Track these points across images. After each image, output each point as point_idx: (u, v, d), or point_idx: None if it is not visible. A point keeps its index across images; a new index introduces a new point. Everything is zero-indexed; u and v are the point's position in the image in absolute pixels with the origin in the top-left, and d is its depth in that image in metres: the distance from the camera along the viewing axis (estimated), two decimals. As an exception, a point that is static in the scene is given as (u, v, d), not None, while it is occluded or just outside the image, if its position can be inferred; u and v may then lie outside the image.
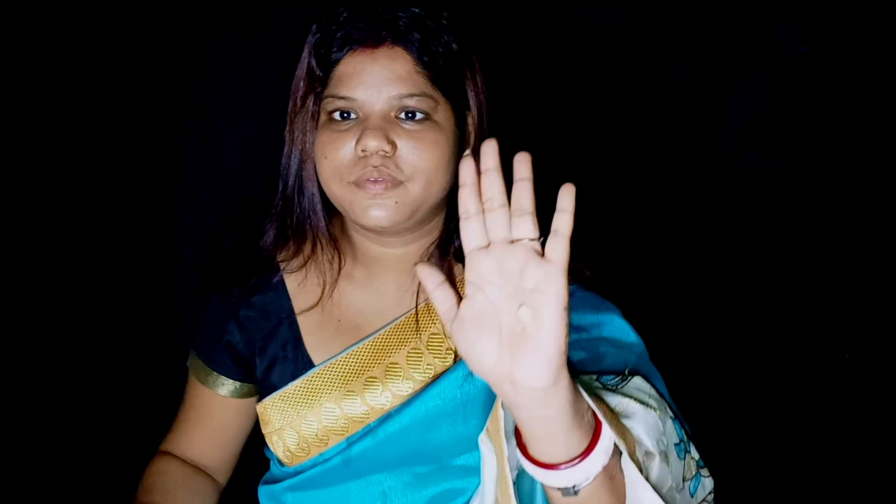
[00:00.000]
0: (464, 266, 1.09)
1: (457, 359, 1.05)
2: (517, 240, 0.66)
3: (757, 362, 1.52)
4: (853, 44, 1.33)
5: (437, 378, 1.03)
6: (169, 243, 1.40)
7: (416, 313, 1.07)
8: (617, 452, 0.77)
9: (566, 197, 0.65)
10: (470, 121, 1.05)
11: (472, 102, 1.04)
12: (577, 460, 0.70)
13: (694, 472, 0.90)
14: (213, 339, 1.15)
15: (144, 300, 1.43)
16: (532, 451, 0.73)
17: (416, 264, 0.73)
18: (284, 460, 1.10)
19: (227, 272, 1.14)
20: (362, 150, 0.95)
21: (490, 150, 0.67)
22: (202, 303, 1.16)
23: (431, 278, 0.70)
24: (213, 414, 1.18)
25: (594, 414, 0.74)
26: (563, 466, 0.71)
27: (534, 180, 0.65)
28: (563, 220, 0.65)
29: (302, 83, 1.01)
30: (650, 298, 1.18)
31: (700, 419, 1.03)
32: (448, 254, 1.07)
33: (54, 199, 1.33)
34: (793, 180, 1.44)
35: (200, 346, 1.18)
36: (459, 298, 0.70)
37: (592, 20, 1.33)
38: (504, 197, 0.67)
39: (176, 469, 1.16)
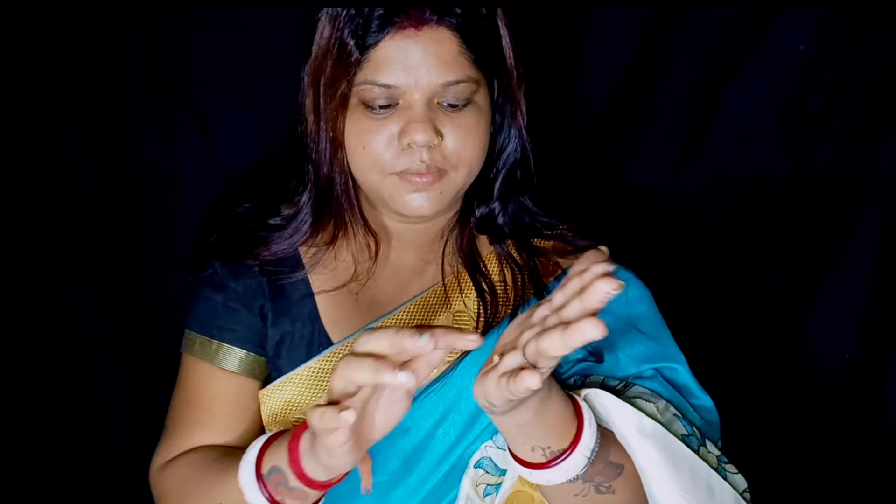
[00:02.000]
0: (488, 239, 1.05)
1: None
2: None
3: (756, 363, 1.52)
4: (853, 44, 1.33)
5: (461, 358, 0.95)
6: (167, 243, 1.39)
7: (444, 287, 1.01)
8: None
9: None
10: (496, 86, 0.97)
11: (505, 67, 0.96)
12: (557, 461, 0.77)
13: (716, 466, 0.88)
14: (217, 302, 1.02)
15: (142, 299, 1.43)
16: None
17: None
18: None
19: (230, 244, 1.02)
20: (409, 144, 0.88)
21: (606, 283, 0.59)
22: (196, 271, 1.04)
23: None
24: (218, 399, 1.00)
25: (575, 413, 0.79)
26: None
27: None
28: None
29: (330, 65, 0.89)
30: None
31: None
32: (469, 224, 1.05)
33: (53, 198, 1.32)
34: (793, 180, 1.44)
35: (200, 314, 1.03)
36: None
37: (592, 19, 1.33)
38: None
39: (193, 457, 0.97)
